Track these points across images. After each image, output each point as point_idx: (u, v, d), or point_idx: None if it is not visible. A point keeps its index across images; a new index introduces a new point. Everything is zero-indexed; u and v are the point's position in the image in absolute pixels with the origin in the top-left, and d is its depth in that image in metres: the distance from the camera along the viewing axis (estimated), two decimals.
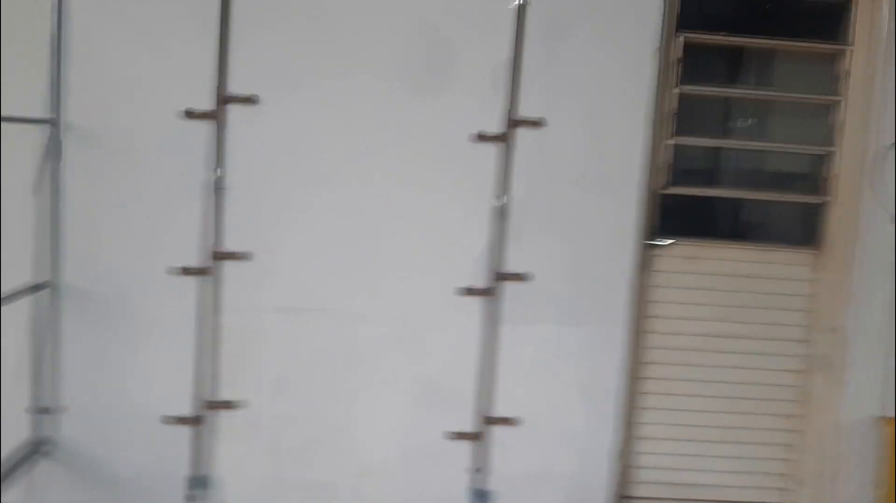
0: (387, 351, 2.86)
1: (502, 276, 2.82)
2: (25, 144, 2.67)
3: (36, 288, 2.68)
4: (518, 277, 2.82)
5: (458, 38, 2.75)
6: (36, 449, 2.77)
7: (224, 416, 2.83)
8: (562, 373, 2.90)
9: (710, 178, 3.16)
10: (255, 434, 2.85)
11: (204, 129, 2.71)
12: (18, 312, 2.69)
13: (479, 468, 2.89)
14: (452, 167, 2.80)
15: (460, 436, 2.88)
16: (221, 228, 2.77)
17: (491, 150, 2.78)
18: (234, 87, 2.71)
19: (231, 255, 2.78)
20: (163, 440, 2.81)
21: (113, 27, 2.68)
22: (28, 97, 2.64)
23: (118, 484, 2.83)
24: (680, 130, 2.93)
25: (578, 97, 2.80)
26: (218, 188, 2.74)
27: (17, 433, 2.74)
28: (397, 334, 2.86)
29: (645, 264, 2.94)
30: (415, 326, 2.86)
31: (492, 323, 2.85)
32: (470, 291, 2.83)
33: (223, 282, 2.79)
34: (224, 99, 2.71)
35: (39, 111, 2.65)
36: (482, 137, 2.77)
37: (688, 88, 2.92)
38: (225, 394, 2.83)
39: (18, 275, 2.68)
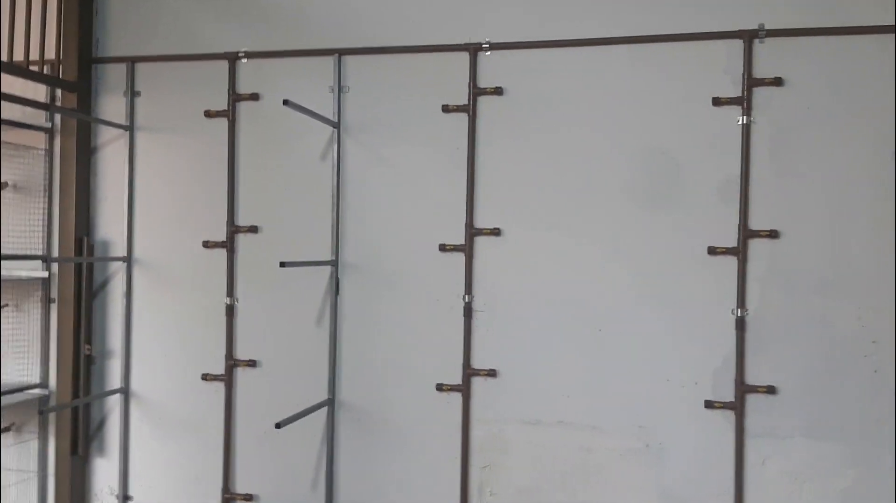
0: (625, 462, 2.94)
1: (748, 389, 2.82)
2: (316, 282, 3.21)
3: (319, 405, 3.11)
4: (765, 389, 2.80)
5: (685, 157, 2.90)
6: None
7: None
8: (818, 491, 2.78)
9: None
10: None
11: (456, 259, 3.08)
12: (314, 425, 3.17)
13: None
14: (687, 280, 2.90)
15: None
16: (470, 347, 3.07)
17: (724, 263, 2.85)
18: (480, 221, 3.06)
19: (478, 372, 3.06)
20: None
21: (378, 178, 3.17)
22: (321, 245, 3.20)
23: None
24: None
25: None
26: (468, 311, 3.06)
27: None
28: (634, 446, 2.93)
29: None
30: (654, 439, 2.92)
31: (739, 436, 2.82)
32: (712, 404, 2.85)
33: (473, 396, 3.07)
34: (472, 232, 3.06)
35: (326, 255, 3.19)
36: (713, 251, 2.86)
37: None
38: (474, 502, 3.05)
39: (315, 392, 3.17)
